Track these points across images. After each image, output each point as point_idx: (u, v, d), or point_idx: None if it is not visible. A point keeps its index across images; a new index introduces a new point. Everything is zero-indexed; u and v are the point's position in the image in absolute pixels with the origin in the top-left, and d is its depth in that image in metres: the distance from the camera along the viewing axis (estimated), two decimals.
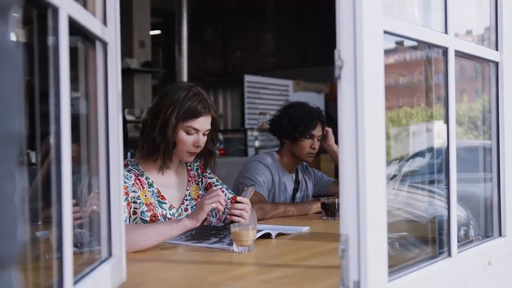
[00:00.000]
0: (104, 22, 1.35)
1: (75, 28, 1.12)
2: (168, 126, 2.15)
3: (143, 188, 2.19)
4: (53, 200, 1.02)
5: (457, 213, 1.55)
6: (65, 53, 1.02)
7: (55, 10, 0.99)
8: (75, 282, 1.10)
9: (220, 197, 2.00)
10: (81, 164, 1.39)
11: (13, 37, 0.59)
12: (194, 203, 2.34)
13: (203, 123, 2.21)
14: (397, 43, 1.47)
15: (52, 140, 1.01)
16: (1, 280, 0.56)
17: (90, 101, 1.38)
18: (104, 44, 1.35)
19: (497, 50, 1.80)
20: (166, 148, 2.18)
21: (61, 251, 1.01)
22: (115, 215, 1.38)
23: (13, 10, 0.58)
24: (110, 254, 1.37)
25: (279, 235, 2.18)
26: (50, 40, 1.02)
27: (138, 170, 2.22)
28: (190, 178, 2.38)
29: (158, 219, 2.18)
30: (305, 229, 2.34)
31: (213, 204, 1.97)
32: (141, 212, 2.15)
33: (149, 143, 2.20)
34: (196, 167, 2.43)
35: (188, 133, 2.19)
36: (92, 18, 1.23)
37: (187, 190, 2.35)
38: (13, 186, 0.57)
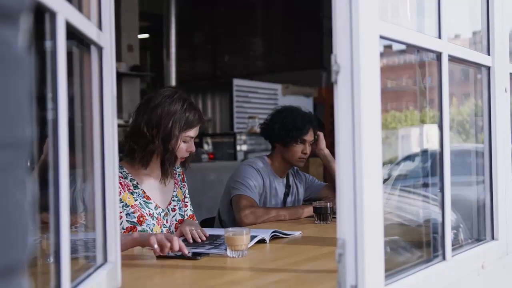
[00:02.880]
0: (99, 26, 1.34)
1: (71, 33, 1.11)
2: (171, 138, 2.23)
3: (124, 191, 2.23)
4: (51, 206, 1.01)
5: None
6: (62, 57, 1.01)
7: (53, 15, 0.99)
8: None
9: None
10: (74, 169, 1.38)
11: (23, 42, 0.58)
12: (181, 204, 2.43)
13: (197, 130, 2.34)
14: (385, 46, 1.47)
15: (49, 144, 1.01)
16: (12, 286, 0.55)
17: (85, 105, 1.37)
18: (100, 49, 1.34)
19: (488, 54, 1.82)
20: (170, 160, 2.26)
21: (58, 257, 1.00)
22: (110, 221, 1.37)
23: (23, 16, 0.58)
24: (105, 260, 1.36)
25: (273, 238, 2.18)
26: (47, 44, 1.01)
27: (121, 173, 2.24)
28: (176, 181, 2.46)
29: (146, 219, 2.23)
30: (298, 233, 2.35)
31: (155, 246, 1.81)
32: (126, 214, 2.19)
33: (149, 154, 2.25)
34: (178, 173, 2.50)
35: (184, 142, 2.29)
36: (88, 22, 1.23)
37: (174, 191, 2.42)
38: (24, 193, 0.57)
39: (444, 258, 1.51)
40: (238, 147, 7.36)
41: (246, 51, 9.81)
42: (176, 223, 2.37)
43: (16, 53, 0.57)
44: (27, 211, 0.58)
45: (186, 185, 2.54)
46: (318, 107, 8.30)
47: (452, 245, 1.58)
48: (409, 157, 2.57)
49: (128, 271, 1.61)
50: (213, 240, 2.13)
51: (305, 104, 7.50)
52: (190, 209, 2.51)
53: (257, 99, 8.28)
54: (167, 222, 2.33)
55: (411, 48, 1.57)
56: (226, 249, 1.88)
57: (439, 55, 1.52)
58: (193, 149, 2.33)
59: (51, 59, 1.01)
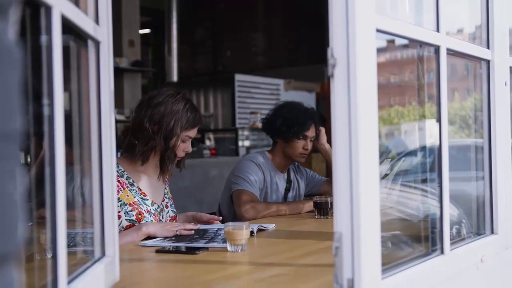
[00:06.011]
0: (97, 21, 1.34)
1: (67, 27, 1.11)
2: (172, 136, 2.27)
3: (124, 189, 2.25)
4: (47, 201, 1.01)
5: (449, 212, 1.56)
6: (58, 52, 1.01)
7: (48, 9, 0.99)
8: (69, 282, 1.09)
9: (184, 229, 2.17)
10: (73, 165, 1.38)
11: (13, 35, 0.59)
12: (171, 202, 2.48)
13: (196, 131, 2.38)
14: (388, 41, 1.47)
15: (45, 140, 1.01)
16: (2, 277, 0.56)
17: (82, 101, 1.37)
18: (97, 43, 1.34)
19: (488, 48, 1.81)
20: (170, 157, 2.30)
21: (55, 251, 1.00)
22: (108, 214, 1.37)
23: (12, 8, 0.58)
24: (103, 253, 1.37)
25: (259, 231, 2.23)
26: (43, 38, 1.01)
27: (117, 171, 2.25)
28: (166, 179, 2.49)
29: (144, 216, 2.26)
30: (271, 226, 2.38)
31: (177, 232, 2.13)
32: (125, 213, 2.20)
33: (150, 150, 2.28)
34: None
35: (183, 141, 2.32)
36: (84, 16, 1.23)
37: (165, 189, 2.47)
38: (14, 184, 0.58)
39: (442, 252, 1.51)
40: (240, 143, 7.38)
41: (248, 46, 9.81)
42: (170, 219, 2.40)
43: (5, 45, 0.57)
44: (18, 202, 0.58)
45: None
46: (321, 102, 8.29)
47: (453, 240, 1.57)
48: (412, 152, 2.57)
49: (127, 265, 1.62)
50: (203, 234, 2.13)
51: (308, 99, 7.51)
52: (173, 210, 2.52)
53: (259, 94, 8.28)
54: (162, 218, 2.36)
55: (410, 42, 1.56)
56: (224, 242, 1.89)
57: (437, 49, 1.52)
58: (190, 149, 2.38)
59: (46, 54, 1.01)
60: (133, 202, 2.25)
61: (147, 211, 2.28)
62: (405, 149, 2.10)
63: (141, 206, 2.27)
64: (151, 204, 2.32)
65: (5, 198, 0.56)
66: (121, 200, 2.21)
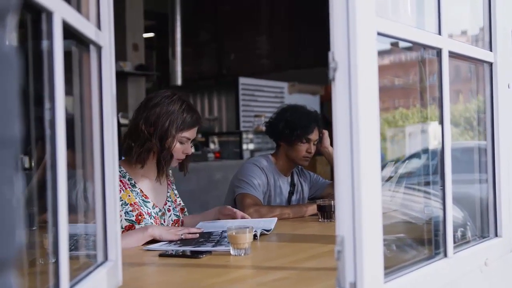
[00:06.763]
0: (98, 25, 1.35)
1: (69, 32, 1.12)
2: (167, 137, 2.26)
3: (126, 189, 2.26)
4: (49, 205, 1.01)
5: (454, 215, 1.55)
6: (59, 57, 1.02)
7: (49, 14, 0.99)
8: (71, 286, 1.10)
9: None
10: (75, 169, 1.38)
11: (11, 41, 0.59)
12: (174, 205, 2.47)
13: (195, 132, 2.36)
14: (392, 44, 1.47)
15: (47, 144, 1.01)
16: (1, 282, 0.56)
17: (84, 105, 1.38)
18: (98, 48, 1.34)
19: (491, 50, 1.81)
20: (166, 158, 2.29)
21: (57, 255, 1.01)
22: (110, 219, 1.38)
23: (10, 14, 0.58)
24: (106, 258, 1.37)
25: (262, 234, 2.22)
26: (44, 44, 1.02)
27: (120, 172, 2.26)
28: (169, 183, 2.50)
29: (144, 218, 2.26)
30: (274, 221, 2.40)
31: (182, 236, 2.13)
32: (125, 212, 2.22)
33: (146, 151, 2.28)
34: (170, 175, 2.55)
35: (181, 142, 2.32)
36: (86, 22, 1.23)
37: (168, 192, 2.46)
38: (12, 190, 0.58)
39: (445, 255, 1.51)
40: (244, 146, 7.37)
41: (252, 49, 9.80)
42: (172, 223, 2.40)
43: (3, 51, 0.57)
44: (16, 207, 0.58)
45: (175, 187, 2.57)
46: (325, 105, 8.29)
47: (458, 243, 1.57)
48: (416, 155, 2.56)
49: (129, 269, 1.62)
50: (208, 238, 2.13)
51: (312, 102, 7.50)
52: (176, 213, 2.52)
53: (263, 97, 8.28)
54: (164, 222, 2.36)
55: (412, 44, 1.56)
56: (227, 245, 1.89)
57: (439, 51, 1.51)
58: (189, 151, 2.36)
59: (48, 59, 1.02)
60: (134, 203, 2.25)
61: (148, 213, 2.28)
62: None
63: (142, 207, 2.27)
64: (152, 207, 2.32)
65: (3, 204, 0.56)
66: (122, 200, 2.22)
